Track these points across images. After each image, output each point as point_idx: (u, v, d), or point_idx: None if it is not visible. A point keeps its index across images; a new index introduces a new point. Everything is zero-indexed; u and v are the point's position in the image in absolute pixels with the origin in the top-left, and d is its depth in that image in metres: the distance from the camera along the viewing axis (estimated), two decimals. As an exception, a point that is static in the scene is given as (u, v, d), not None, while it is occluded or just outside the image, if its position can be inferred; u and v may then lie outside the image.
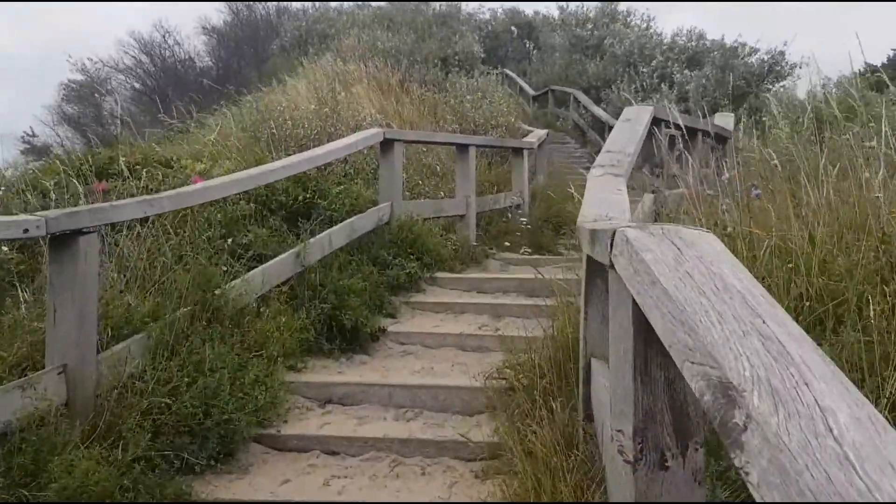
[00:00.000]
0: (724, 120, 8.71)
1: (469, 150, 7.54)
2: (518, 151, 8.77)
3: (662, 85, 17.76)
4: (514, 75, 28.25)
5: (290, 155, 7.43)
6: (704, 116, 14.36)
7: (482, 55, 30.57)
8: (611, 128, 16.93)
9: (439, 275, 6.12)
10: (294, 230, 5.56)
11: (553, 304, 4.88)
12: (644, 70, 18.23)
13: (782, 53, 15.54)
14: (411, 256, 5.96)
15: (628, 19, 22.12)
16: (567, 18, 23.51)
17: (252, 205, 5.36)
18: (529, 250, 7.78)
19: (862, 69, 19.63)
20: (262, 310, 4.36)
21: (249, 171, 4.64)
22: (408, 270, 5.71)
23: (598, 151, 15.83)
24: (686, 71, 17.77)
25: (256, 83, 14.47)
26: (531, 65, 28.23)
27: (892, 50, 32.59)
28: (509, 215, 8.28)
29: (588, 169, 14.94)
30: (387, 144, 6.36)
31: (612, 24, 21.17)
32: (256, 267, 4.64)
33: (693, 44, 19.14)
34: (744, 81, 15.51)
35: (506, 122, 10.72)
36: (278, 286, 4.73)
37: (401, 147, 6.58)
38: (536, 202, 9.14)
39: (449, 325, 5.19)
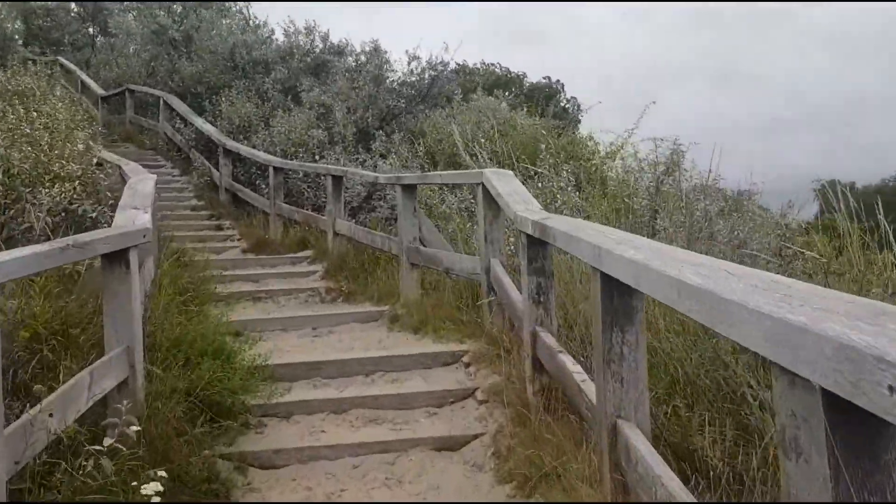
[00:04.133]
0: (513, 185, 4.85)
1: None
2: (118, 257, 3.82)
3: (288, 99, 13.52)
4: (73, 67, 21.47)
5: None
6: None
7: (18, 37, 23.23)
8: (227, 150, 12.13)
9: None
10: None
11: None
12: (266, 80, 13.80)
13: (444, 64, 12.43)
14: None
15: (227, 6, 17.19)
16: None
17: None
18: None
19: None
20: None
21: None
22: None
23: (210, 184, 10.86)
24: (314, 85, 13.80)
25: None
26: (96, 55, 21.84)
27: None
28: (107, 439, 3.29)
29: (199, 211, 9.99)
30: None
31: (204, 11, 16.09)
32: None
33: (318, 46, 15.22)
34: (402, 101, 12.08)
35: (79, 169, 5.45)
36: None
37: None
38: (159, 350, 4.28)
39: None
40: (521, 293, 4.46)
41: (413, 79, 12.56)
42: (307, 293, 8.11)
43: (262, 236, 10.55)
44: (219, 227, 11.51)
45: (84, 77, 20.17)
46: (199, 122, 13.58)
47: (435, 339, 5.63)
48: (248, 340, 5.85)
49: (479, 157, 9.85)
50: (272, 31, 16.18)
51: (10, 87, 7.85)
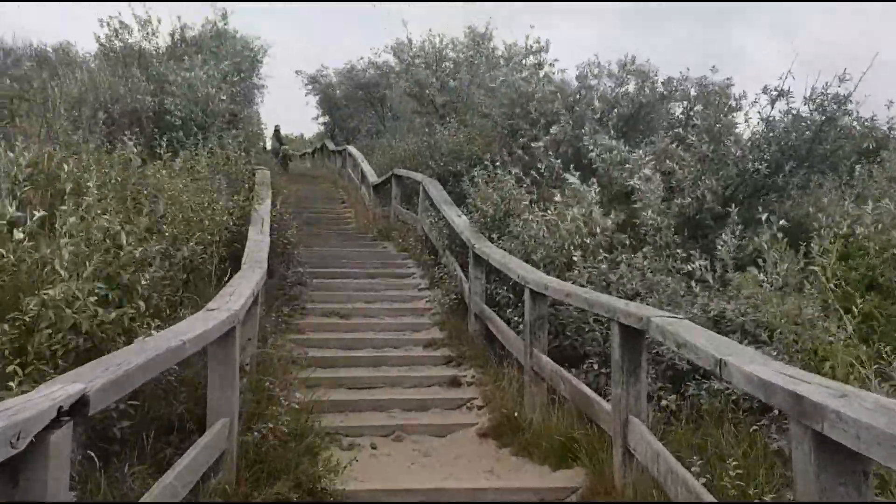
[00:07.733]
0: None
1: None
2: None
3: (568, 174, 8.77)
4: (356, 154, 19.31)
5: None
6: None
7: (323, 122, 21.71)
8: (477, 256, 7.54)
9: None
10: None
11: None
12: (542, 141, 9.37)
13: (842, 100, 6.93)
14: None
15: (510, 49, 12.79)
16: (405, 58, 14.41)
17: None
18: None
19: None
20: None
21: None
22: None
23: (460, 304, 6.49)
24: (618, 141, 9.02)
25: None
26: (381, 138, 19.46)
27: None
28: None
29: (434, 350, 5.74)
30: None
31: (478, 57, 12.14)
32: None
33: (628, 83, 10.41)
34: (764, 165, 6.80)
35: None
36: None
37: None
38: None
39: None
40: None
41: (778, 130, 7.23)
42: None
43: (510, 411, 5.98)
44: (455, 382, 7.19)
45: (364, 165, 17.80)
46: (452, 214, 9.61)
47: None
48: None
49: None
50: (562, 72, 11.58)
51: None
